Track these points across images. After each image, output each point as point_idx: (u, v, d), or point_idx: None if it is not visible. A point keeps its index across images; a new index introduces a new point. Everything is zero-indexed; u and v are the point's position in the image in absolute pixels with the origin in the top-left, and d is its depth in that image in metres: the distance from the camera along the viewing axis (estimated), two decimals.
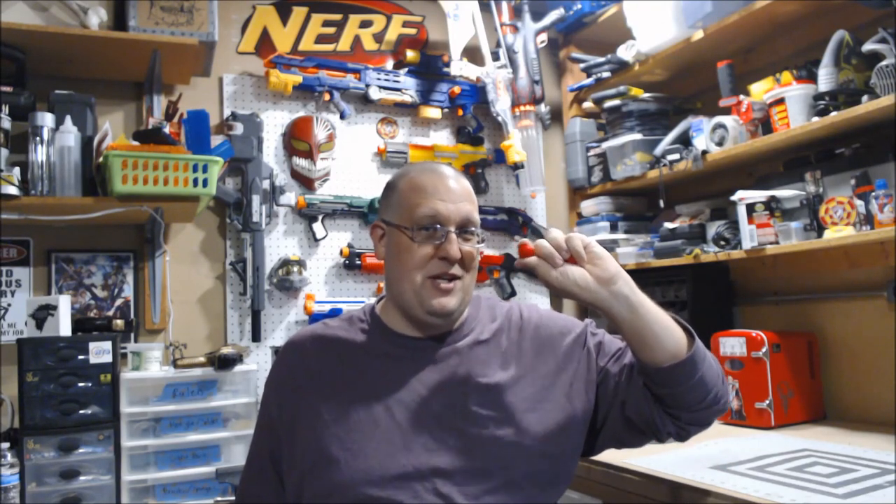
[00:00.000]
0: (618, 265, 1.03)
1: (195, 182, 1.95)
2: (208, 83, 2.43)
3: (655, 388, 1.07)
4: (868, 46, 1.78)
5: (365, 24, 2.68)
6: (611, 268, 1.01)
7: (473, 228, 1.13)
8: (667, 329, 1.04)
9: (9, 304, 2.11)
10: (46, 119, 1.92)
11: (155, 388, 1.99)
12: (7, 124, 1.90)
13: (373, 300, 1.32)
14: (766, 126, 2.12)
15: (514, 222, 2.79)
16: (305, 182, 2.50)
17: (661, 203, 2.41)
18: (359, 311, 1.24)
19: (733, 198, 2.09)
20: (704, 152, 2.23)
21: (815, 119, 1.90)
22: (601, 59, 2.62)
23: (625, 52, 2.53)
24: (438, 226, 1.10)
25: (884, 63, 1.72)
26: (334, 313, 2.34)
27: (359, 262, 2.49)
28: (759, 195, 2.06)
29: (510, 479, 1.07)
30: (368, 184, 2.59)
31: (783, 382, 2.03)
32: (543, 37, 2.77)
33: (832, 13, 2.01)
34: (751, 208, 2.05)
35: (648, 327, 1.02)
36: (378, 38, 2.70)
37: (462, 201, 1.12)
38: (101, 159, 1.94)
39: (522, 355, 1.17)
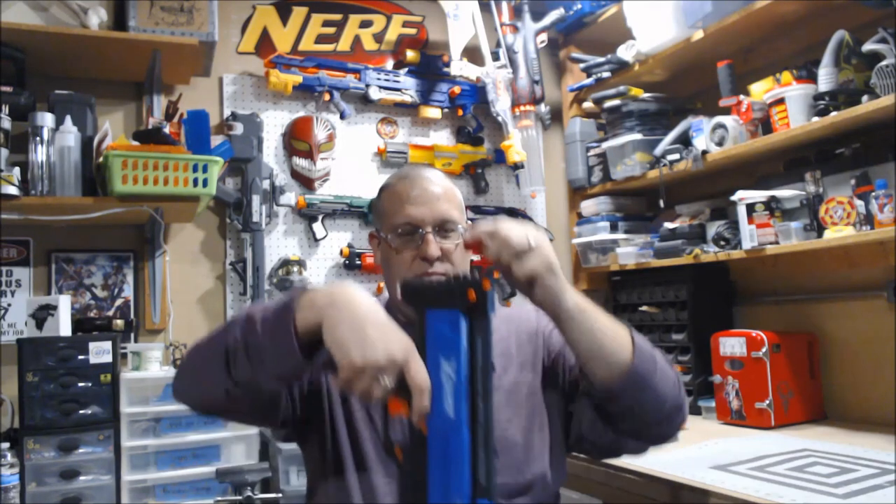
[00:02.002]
0: (543, 262, 0.94)
1: (195, 182, 1.95)
2: (208, 83, 2.43)
3: (607, 405, 1.05)
4: (868, 46, 1.78)
5: (365, 24, 2.68)
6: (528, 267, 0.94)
7: (452, 226, 1.14)
8: (606, 353, 0.99)
9: (9, 304, 2.11)
10: (46, 119, 1.92)
11: (155, 388, 1.99)
12: (7, 124, 1.90)
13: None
14: (766, 126, 2.11)
15: None
16: (305, 182, 2.50)
17: (661, 203, 2.41)
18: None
19: (733, 198, 2.09)
20: (704, 152, 2.23)
21: (815, 119, 1.89)
22: (601, 59, 2.62)
23: (625, 52, 2.52)
24: (415, 229, 1.13)
25: (884, 63, 1.72)
26: None
27: (359, 262, 2.49)
28: (759, 195, 2.06)
29: (519, 476, 1.09)
30: (368, 184, 2.59)
31: (783, 382, 2.03)
32: (543, 37, 2.77)
33: (832, 13, 2.01)
34: (751, 208, 2.05)
35: (584, 350, 0.99)
36: (378, 38, 2.70)
37: (438, 202, 1.14)
38: (101, 159, 1.94)
39: (530, 359, 1.20)
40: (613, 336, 0.99)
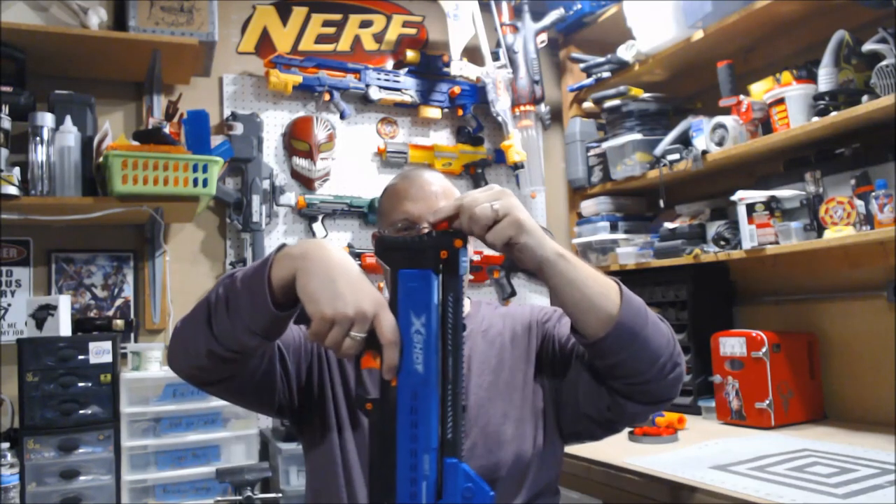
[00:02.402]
0: (517, 223, 0.92)
1: (195, 182, 1.95)
2: (208, 83, 2.43)
3: (600, 361, 1.03)
4: (868, 46, 1.78)
5: (365, 24, 2.68)
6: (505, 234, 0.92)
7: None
8: (593, 303, 0.98)
9: (9, 304, 2.11)
10: (46, 119, 1.92)
11: (155, 388, 1.99)
12: (7, 124, 1.90)
13: None
14: (766, 126, 2.11)
15: None
16: (305, 182, 2.50)
17: (661, 203, 2.41)
18: None
19: (733, 198, 2.09)
20: (704, 152, 2.23)
21: (815, 119, 1.90)
22: (601, 59, 2.62)
23: (625, 52, 2.52)
24: (413, 225, 1.15)
25: (884, 63, 1.72)
26: None
27: (359, 262, 2.49)
28: (759, 195, 2.06)
29: (514, 470, 1.10)
30: (368, 184, 2.59)
31: (783, 382, 2.03)
32: (543, 37, 2.77)
33: (832, 13, 2.01)
34: (751, 208, 2.05)
35: (570, 302, 0.98)
36: (378, 38, 2.70)
37: (435, 198, 1.16)
38: (101, 159, 1.94)
39: (524, 351, 1.21)
40: (599, 285, 0.98)
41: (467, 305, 1.26)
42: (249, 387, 1.06)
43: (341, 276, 0.84)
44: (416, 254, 0.83)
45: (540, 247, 0.94)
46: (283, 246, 0.91)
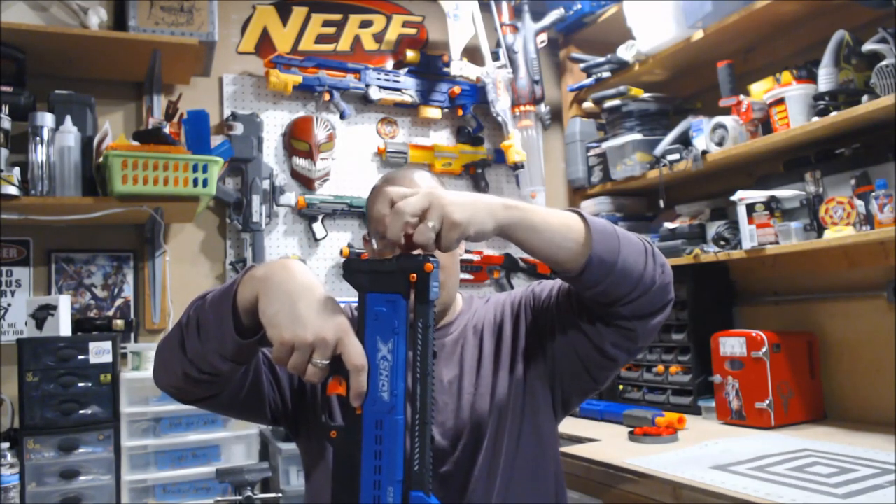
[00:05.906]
0: (458, 209, 0.85)
1: (195, 182, 1.95)
2: (208, 83, 2.43)
3: (590, 292, 1.00)
4: (868, 46, 1.78)
5: (365, 24, 2.68)
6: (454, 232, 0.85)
7: None
8: (559, 238, 0.95)
9: (9, 304, 2.11)
10: (46, 119, 1.92)
11: (155, 388, 1.96)
12: (7, 124, 1.91)
13: None
14: (766, 126, 2.12)
15: None
16: (305, 182, 2.50)
17: (661, 203, 2.41)
18: None
19: (733, 198, 2.09)
20: (704, 152, 2.23)
21: (815, 119, 1.90)
22: (601, 59, 2.62)
23: (625, 52, 2.53)
24: None
25: (884, 63, 1.72)
26: None
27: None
28: (759, 195, 2.06)
29: (515, 472, 1.10)
30: (368, 184, 2.55)
31: (783, 382, 2.03)
32: (543, 37, 2.77)
33: (832, 13, 2.01)
34: (751, 208, 2.05)
35: (539, 247, 0.95)
36: (378, 38, 2.70)
37: None
38: (101, 159, 1.94)
39: (506, 329, 1.21)
40: (559, 220, 0.96)
41: (460, 302, 1.26)
42: (237, 402, 1.05)
43: (303, 299, 0.81)
44: (385, 277, 0.80)
45: (484, 222, 0.88)
46: (251, 267, 0.89)
